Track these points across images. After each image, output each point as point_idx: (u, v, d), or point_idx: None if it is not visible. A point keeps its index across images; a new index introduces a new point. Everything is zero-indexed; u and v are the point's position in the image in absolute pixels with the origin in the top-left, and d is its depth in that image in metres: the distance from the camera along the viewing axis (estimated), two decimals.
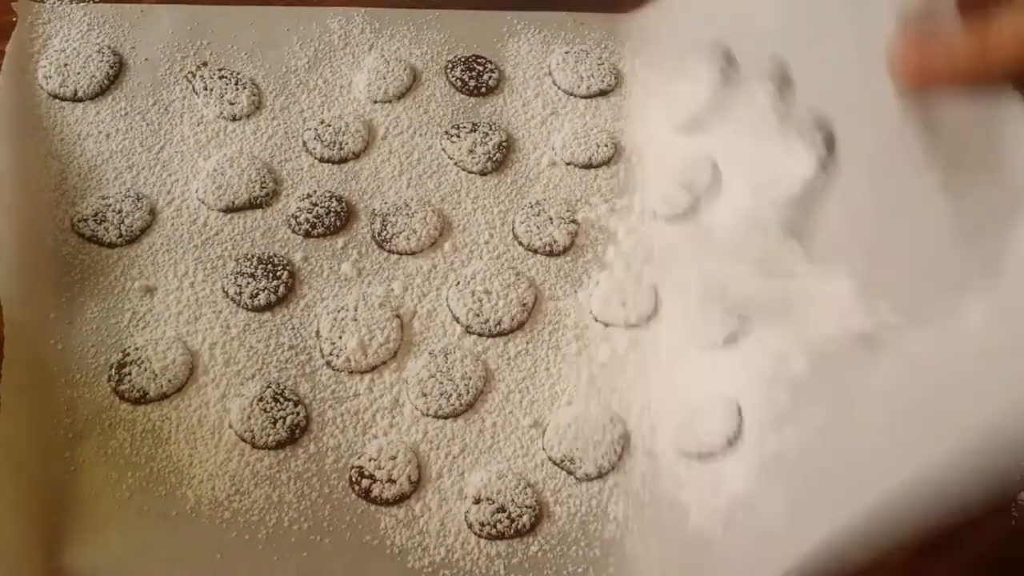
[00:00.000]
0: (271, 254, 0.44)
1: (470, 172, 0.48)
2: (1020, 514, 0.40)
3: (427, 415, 0.41)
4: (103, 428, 0.39)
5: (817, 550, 0.31)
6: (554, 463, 0.41)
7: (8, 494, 0.36)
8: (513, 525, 0.39)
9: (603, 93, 0.51)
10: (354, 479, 0.39)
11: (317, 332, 0.42)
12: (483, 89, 0.50)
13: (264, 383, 0.41)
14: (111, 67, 0.47)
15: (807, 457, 0.34)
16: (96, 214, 0.43)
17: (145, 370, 0.40)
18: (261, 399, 0.40)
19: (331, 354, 0.42)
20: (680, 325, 0.43)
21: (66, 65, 0.47)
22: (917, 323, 0.31)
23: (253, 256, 0.44)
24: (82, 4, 0.49)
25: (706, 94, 0.45)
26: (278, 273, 0.43)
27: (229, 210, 0.45)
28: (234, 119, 0.47)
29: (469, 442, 0.41)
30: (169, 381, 0.40)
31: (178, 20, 0.50)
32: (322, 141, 0.47)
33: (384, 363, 0.42)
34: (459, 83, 0.50)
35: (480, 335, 0.43)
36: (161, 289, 0.43)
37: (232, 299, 0.43)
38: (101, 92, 0.47)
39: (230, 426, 0.40)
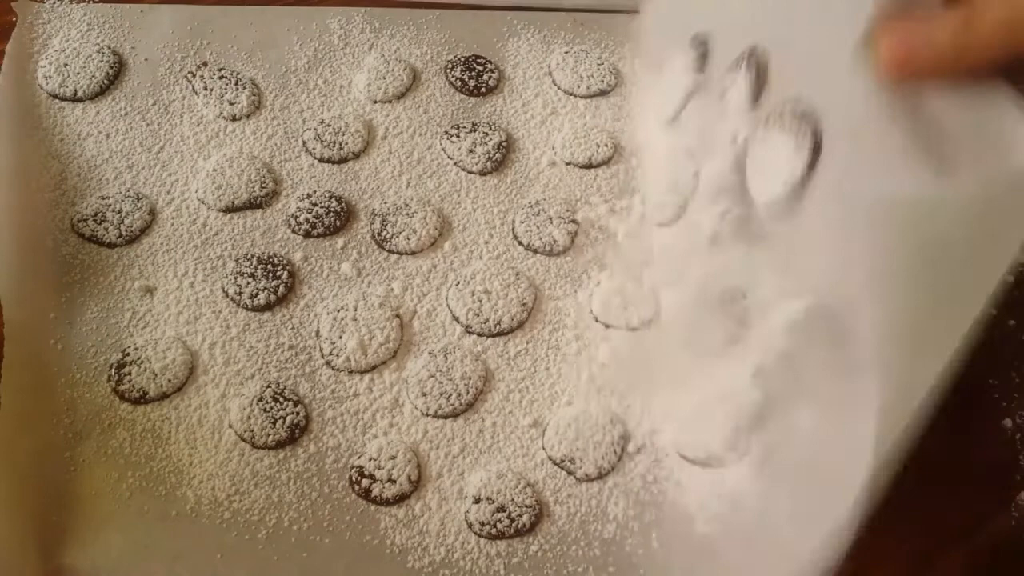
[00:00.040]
0: (271, 254, 0.44)
1: (470, 172, 0.48)
2: (1020, 514, 0.40)
3: (427, 415, 0.41)
4: (103, 428, 0.39)
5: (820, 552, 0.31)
6: (554, 463, 0.41)
7: (8, 494, 0.36)
8: (513, 525, 0.39)
9: (603, 93, 0.51)
10: (354, 479, 0.39)
11: (317, 332, 0.42)
12: (483, 89, 0.50)
13: (264, 383, 0.41)
14: (111, 67, 0.47)
15: (810, 460, 0.34)
16: (96, 214, 0.43)
17: (145, 370, 0.40)
18: (261, 399, 0.40)
19: (331, 354, 0.42)
20: (680, 327, 0.43)
21: (66, 65, 0.47)
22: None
23: (253, 256, 0.44)
24: (82, 4, 0.49)
25: (684, 88, 0.45)
26: (278, 273, 0.43)
27: (229, 210, 0.45)
28: (234, 119, 0.47)
29: (469, 442, 0.41)
30: (169, 381, 0.40)
31: (178, 20, 0.50)
32: (322, 141, 0.47)
33: (384, 363, 0.42)
34: (459, 83, 0.50)
35: (480, 335, 0.43)
36: (161, 289, 0.43)
37: (232, 299, 0.43)
38: (101, 92, 0.47)
39: (230, 426, 0.40)
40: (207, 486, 0.38)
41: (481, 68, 0.51)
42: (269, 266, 0.43)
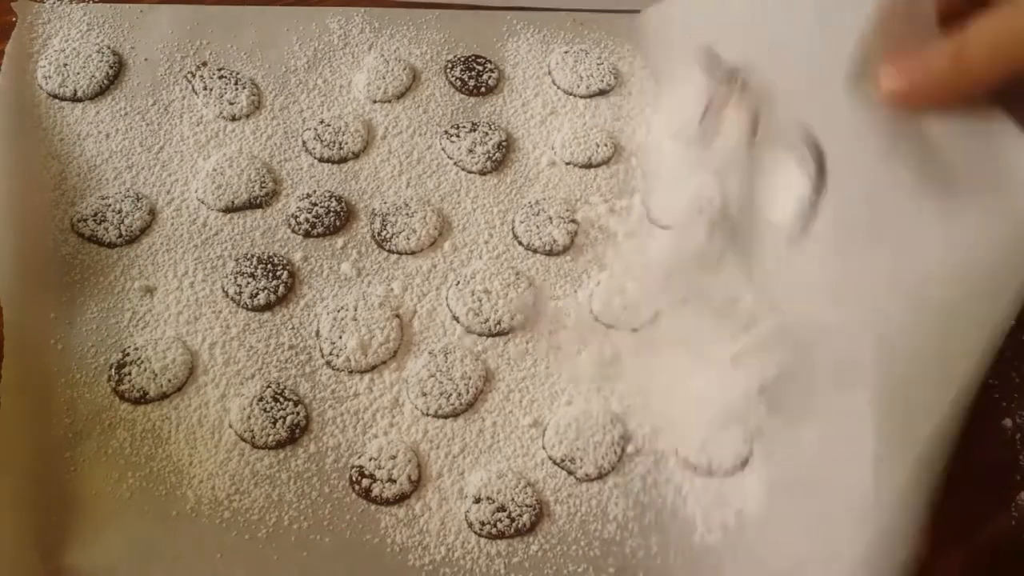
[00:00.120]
0: (271, 254, 0.44)
1: (470, 172, 0.48)
2: (1020, 514, 0.40)
3: (427, 415, 0.41)
4: (103, 428, 0.39)
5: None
6: (554, 463, 0.41)
7: (8, 494, 0.36)
8: (513, 524, 0.39)
9: (602, 93, 0.51)
10: (354, 478, 0.39)
11: (317, 332, 0.42)
12: (483, 89, 0.50)
13: (264, 383, 0.41)
14: (111, 67, 0.47)
15: (818, 475, 0.34)
16: (96, 214, 0.43)
17: (145, 370, 0.40)
18: (261, 399, 0.40)
19: (331, 354, 0.42)
20: (681, 332, 0.43)
21: (66, 65, 0.47)
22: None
23: (253, 256, 0.44)
24: (82, 4, 0.49)
25: (699, 104, 0.45)
26: (278, 273, 0.43)
27: (229, 210, 0.45)
28: (234, 119, 0.47)
29: (469, 441, 0.41)
30: (169, 381, 0.40)
31: (178, 20, 0.50)
32: (322, 141, 0.47)
33: (384, 363, 0.42)
34: (459, 83, 0.50)
35: (480, 335, 0.43)
36: (161, 289, 0.43)
37: (232, 299, 0.43)
38: (101, 92, 0.47)
39: (230, 426, 0.40)
40: (207, 486, 0.38)
41: (481, 68, 0.51)
42: (269, 266, 0.43)
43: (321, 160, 0.47)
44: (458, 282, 0.44)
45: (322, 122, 0.48)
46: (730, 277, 0.42)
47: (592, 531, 0.39)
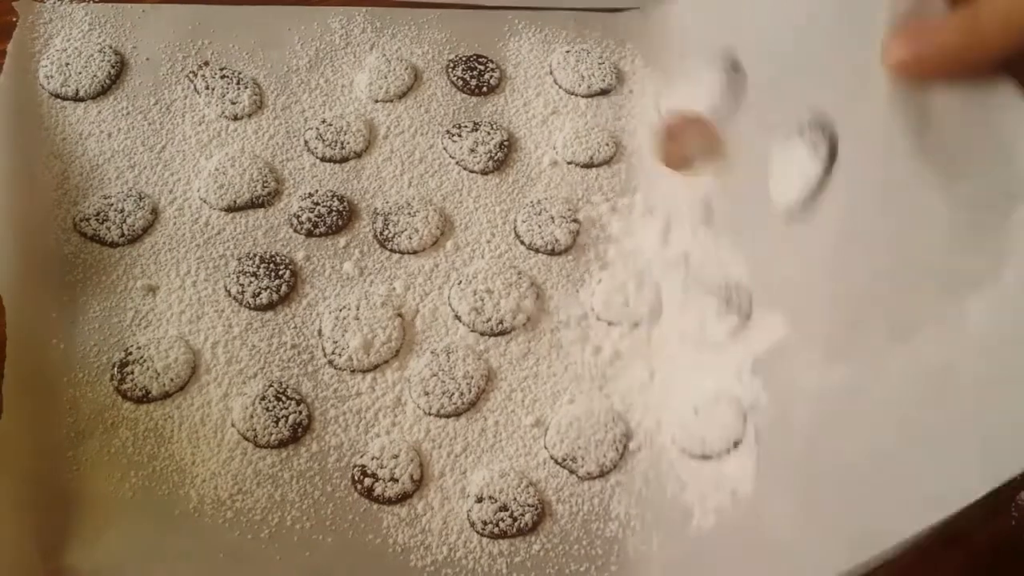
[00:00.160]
0: (273, 253, 0.44)
1: (472, 171, 0.48)
2: (1020, 514, 0.40)
3: (429, 414, 0.41)
4: (105, 427, 0.39)
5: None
6: (556, 462, 0.41)
7: (10, 493, 0.36)
8: (515, 524, 0.39)
9: (604, 92, 0.51)
10: (356, 478, 0.39)
11: (319, 331, 0.42)
12: (484, 88, 0.50)
13: (266, 382, 0.41)
14: (112, 67, 0.47)
15: (812, 458, 0.34)
16: (98, 213, 0.43)
17: (147, 369, 0.40)
18: (263, 398, 0.40)
19: (333, 353, 0.42)
20: (682, 323, 0.43)
21: (68, 65, 0.47)
22: (906, 336, 0.31)
23: (255, 255, 0.44)
24: (83, 4, 0.49)
25: (709, 101, 0.45)
26: (280, 272, 0.43)
27: (231, 209, 0.45)
28: (236, 118, 0.47)
29: (471, 441, 0.41)
30: (171, 380, 0.40)
31: (179, 20, 0.50)
32: (324, 140, 0.47)
33: (386, 362, 0.42)
34: (460, 82, 0.50)
35: (482, 334, 0.43)
36: (163, 288, 0.43)
37: (234, 298, 0.43)
38: (103, 92, 0.47)
39: (233, 425, 0.40)
40: (210, 485, 0.38)
41: (482, 67, 0.51)
42: (271, 265, 0.43)
43: (323, 160, 0.47)
44: (460, 281, 0.44)
45: (324, 122, 0.48)
46: (728, 261, 0.42)
47: (594, 530, 0.40)
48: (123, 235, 0.43)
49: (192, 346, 0.41)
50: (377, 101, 0.49)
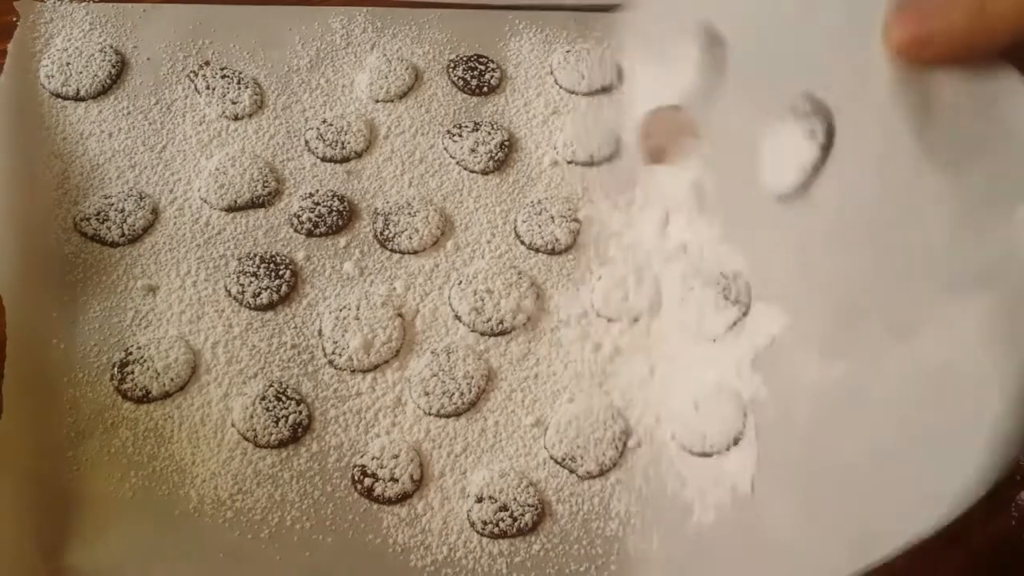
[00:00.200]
0: (273, 253, 0.44)
1: (472, 171, 0.48)
2: (1020, 514, 0.40)
3: (429, 414, 0.41)
4: (106, 427, 0.39)
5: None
6: (556, 462, 0.41)
7: (10, 493, 0.36)
8: (515, 524, 0.39)
9: (605, 90, 0.51)
10: (356, 478, 0.39)
11: (319, 331, 0.42)
12: (485, 88, 0.50)
13: (266, 382, 0.41)
14: (113, 66, 0.47)
15: (812, 455, 0.34)
16: (98, 213, 0.43)
17: (148, 369, 0.40)
18: (264, 398, 0.40)
19: (333, 353, 0.42)
20: (681, 316, 0.43)
21: (68, 64, 0.47)
22: (905, 334, 0.31)
23: (255, 255, 0.44)
24: (84, 3, 0.49)
25: (690, 76, 0.45)
26: (280, 272, 0.43)
27: (231, 209, 0.45)
28: (236, 118, 0.47)
29: (471, 441, 0.41)
30: (172, 380, 0.40)
31: (180, 19, 0.50)
32: (324, 140, 0.47)
33: (386, 362, 0.42)
34: (461, 82, 0.50)
35: (482, 334, 0.43)
36: (163, 288, 0.43)
37: (234, 298, 0.43)
38: (103, 91, 0.47)
39: (233, 425, 0.40)
40: (210, 485, 0.38)
41: (483, 67, 0.51)
42: (272, 265, 0.43)
43: (324, 159, 0.47)
44: (460, 281, 0.44)
45: (324, 121, 0.48)
46: (724, 251, 0.42)
47: (594, 529, 0.40)
48: (123, 235, 0.43)
49: (192, 346, 0.41)
50: (378, 101, 0.49)
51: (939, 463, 0.28)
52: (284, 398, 0.40)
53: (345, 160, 0.47)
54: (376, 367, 0.42)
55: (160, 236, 0.44)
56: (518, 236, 0.46)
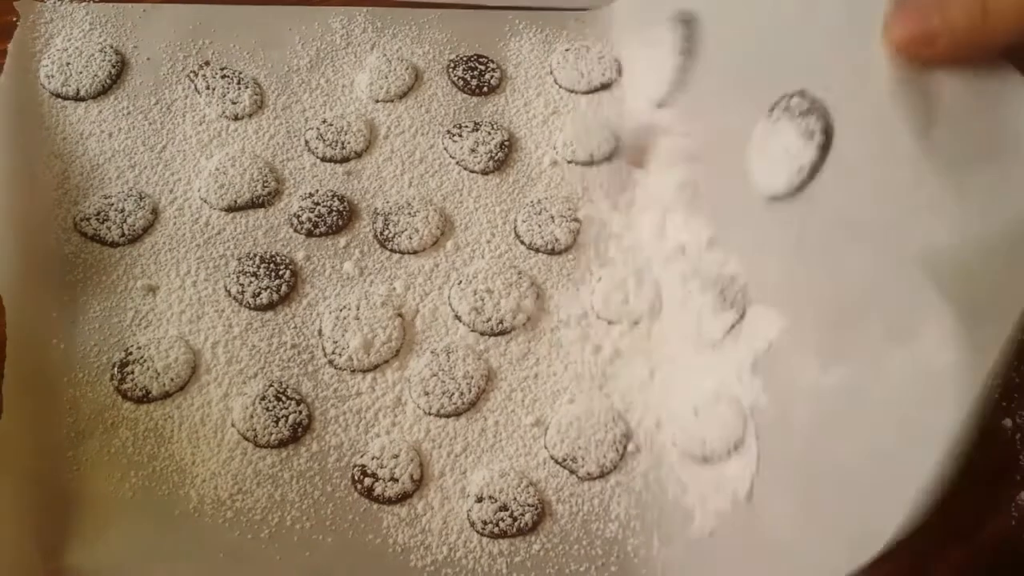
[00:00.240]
0: (273, 253, 0.44)
1: (472, 171, 0.48)
2: (1020, 514, 0.40)
3: (429, 414, 0.41)
4: (106, 427, 0.39)
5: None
6: (556, 462, 0.41)
7: (10, 493, 0.36)
8: (515, 524, 0.39)
9: (604, 87, 0.51)
10: (356, 478, 0.39)
11: (319, 331, 0.42)
12: (485, 88, 0.50)
13: (266, 382, 0.41)
14: (113, 66, 0.47)
15: (812, 459, 0.34)
16: (98, 213, 0.43)
17: (147, 369, 0.40)
18: (263, 398, 0.40)
19: (333, 353, 0.42)
20: (681, 319, 0.43)
21: (68, 64, 0.47)
22: (904, 338, 0.31)
23: (255, 255, 0.44)
24: (84, 3, 0.49)
25: (671, 68, 0.45)
26: (280, 272, 0.43)
27: (231, 209, 0.45)
28: (236, 118, 0.47)
29: (471, 441, 0.41)
30: (172, 380, 0.40)
31: (180, 19, 0.50)
32: (324, 140, 0.47)
33: (386, 362, 0.42)
34: (461, 82, 0.50)
35: (482, 334, 0.43)
36: (163, 288, 0.43)
37: (234, 298, 0.43)
38: (103, 91, 0.47)
39: (233, 425, 0.40)
40: (210, 485, 0.38)
41: (483, 67, 0.51)
42: (271, 265, 0.43)
43: (323, 159, 0.47)
44: (460, 281, 0.44)
45: (324, 121, 0.48)
46: (720, 253, 0.42)
47: (594, 530, 0.40)
48: (123, 235, 0.43)
49: (192, 346, 0.41)
50: (378, 101, 0.49)
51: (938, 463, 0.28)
52: (284, 398, 0.40)
53: (345, 160, 0.47)
54: (376, 367, 0.42)
55: (160, 236, 0.44)
56: (518, 236, 0.46)
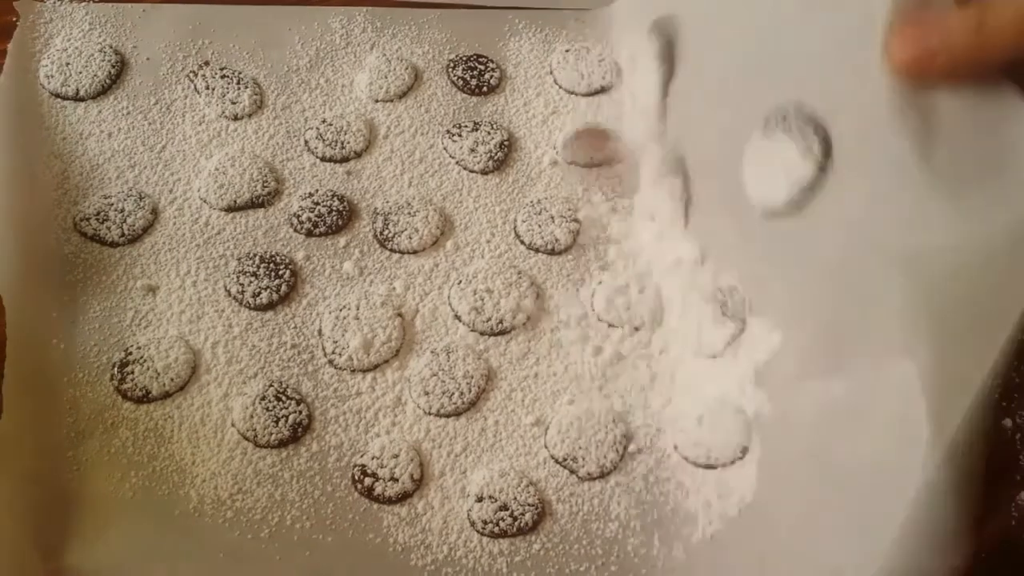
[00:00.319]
0: (273, 253, 0.44)
1: (472, 171, 0.48)
2: (1020, 514, 0.40)
3: (429, 413, 0.41)
4: (106, 427, 0.39)
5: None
6: (556, 462, 0.41)
7: (10, 494, 0.36)
8: (516, 523, 0.39)
9: (604, 90, 0.51)
10: (356, 477, 0.39)
11: (319, 331, 0.42)
12: (484, 88, 0.50)
13: (266, 382, 0.41)
14: (113, 66, 0.47)
15: (815, 466, 0.34)
16: (98, 213, 0.43)
17: (147, 369, 0.40)
18: (263, 398, 0.40)
19: (333, 353, 0.42)
20: (683, 330, 0.43)
21: (68, 64, 0.47)
22: (904, 349, 0.31)
23: (255, 255, 0.44)
24: (83, 3, 0.49)
25: (656, 79, 0.45)
26: (280, 272, 0.43)
27: (231, 209, 0.45)
28: (236, 118, 0.47)
29: (471, 440, 0.41)
30: (172, 380, 0.40)
31: (180, 19, 0.50)
32: (324, 140, 0.47)
33: (386, 362, 0.42)
34: (460, 82, 0.50)
35: (482, 334, 0.43)
36: (163, 288, 0.43)
37: (234, 298, 0.43)
38: (103, 91, 0.47)
39: (233, 425, 0.40)
40: (210, 485, 0.38)
41: (483, 67, 0.51)
42: (271, 265, 0.43)
43: (323, 159, 0.47)
44: (460, 281, 0.44)
45: (324, 121, 0.48)
46: (717, 264, 0.42)
47: (594, 530, 0.40)
48: (123, 235, 0.43)
49: (192, 346, 0.41)
50: (377, 101, 0.49)
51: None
52: (284, 398, 0.40)
53: (345, 160, 0.47)
54: (376, 367, 0.42)
55: (160, 236, 0.44)
56: (518, 236, 0.46)
